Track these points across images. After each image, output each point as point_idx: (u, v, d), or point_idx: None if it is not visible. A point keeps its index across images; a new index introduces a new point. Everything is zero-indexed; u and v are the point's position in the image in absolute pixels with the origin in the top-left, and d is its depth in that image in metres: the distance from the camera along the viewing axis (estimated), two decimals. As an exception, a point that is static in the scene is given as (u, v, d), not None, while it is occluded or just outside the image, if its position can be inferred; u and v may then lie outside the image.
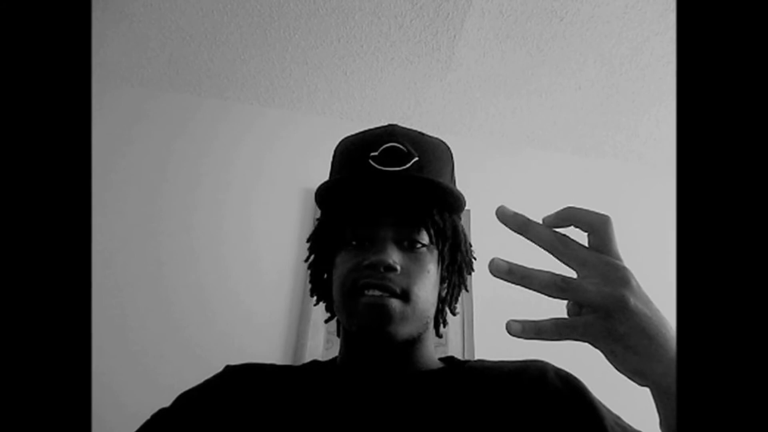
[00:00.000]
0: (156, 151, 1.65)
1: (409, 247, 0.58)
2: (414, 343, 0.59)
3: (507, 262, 0.37)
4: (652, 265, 1.36)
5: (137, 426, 0.57)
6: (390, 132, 0.63)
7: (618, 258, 0.38)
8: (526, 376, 0.57)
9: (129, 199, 1.56)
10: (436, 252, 0.60)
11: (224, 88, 1.72)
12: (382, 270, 0.55)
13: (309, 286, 0.67)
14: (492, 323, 1.50)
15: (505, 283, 0.38)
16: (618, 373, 0.38)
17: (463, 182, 0.74)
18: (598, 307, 0.36)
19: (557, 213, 0.39)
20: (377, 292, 0.55)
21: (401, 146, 0.60)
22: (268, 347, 1.42)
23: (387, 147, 0.60)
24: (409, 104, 1.75)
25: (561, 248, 0.38)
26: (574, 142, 1.89)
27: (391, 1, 1.37)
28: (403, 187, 0.58)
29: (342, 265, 0.59)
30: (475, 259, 0.67)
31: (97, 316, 1.35)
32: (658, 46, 1.46)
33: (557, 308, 0.41)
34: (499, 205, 0.40)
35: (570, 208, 0.39)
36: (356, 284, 0.56)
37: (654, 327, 0.36)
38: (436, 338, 0.65)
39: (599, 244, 0.38)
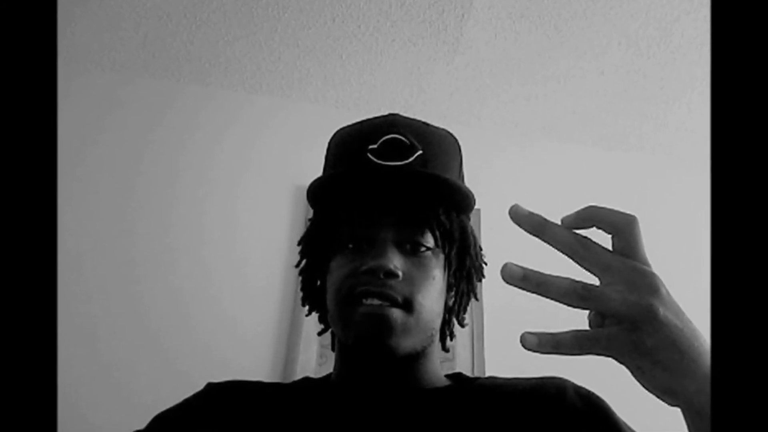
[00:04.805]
0: (130, 143, 1.65)
1: (412, 250, 0.58)
2: (417, 357, 0.59)
3: (521, 267, 0.37)
4: (682, 271, 1.36)
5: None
6: (390, 122, 0.63)
7: (645, 263, 0.38)
8: (543, 394, 0.57)
9: (100, 195, 1.56)
10: (442, 256, 0.60)
11: (206, 74, 1.72)
12: (381, 276, 0.55)
13: (300, 294, 0.67)
14: (504, 336, 1.50)
15: (519, 290, 0.38)
16: (645, 391, 0.38)
17: (472, 178, 0.74)
18: (624, 318, 0.36)
19: (577, 212, 0.39)
20: (376, 301, 0.55)
21: (403, 138, 0.60)
22: (254, 362, 1.42)
23: (387, 139, 0.60)
24: (412, 91, 1.75)
25: (582, 252, 0.38)
26: (595, 133, 1.89)
27: (393, -24, 1.37)
28: (405, 184, 0.58)
29: (337, 270, 0.59)
30: (485, 264, 0.67)
31: (64, 324, 1.35)
32: (690, 27, 1.45)
33: (577, 319, 0.41)
34: (512, 203, 0.40)
35: (591, 207, 0.39)
36: (353, 292, 0.56)
37: (686, 340, 0.36)
38: (442, 352, 0.66)
39: (624, 247, 0.38)
